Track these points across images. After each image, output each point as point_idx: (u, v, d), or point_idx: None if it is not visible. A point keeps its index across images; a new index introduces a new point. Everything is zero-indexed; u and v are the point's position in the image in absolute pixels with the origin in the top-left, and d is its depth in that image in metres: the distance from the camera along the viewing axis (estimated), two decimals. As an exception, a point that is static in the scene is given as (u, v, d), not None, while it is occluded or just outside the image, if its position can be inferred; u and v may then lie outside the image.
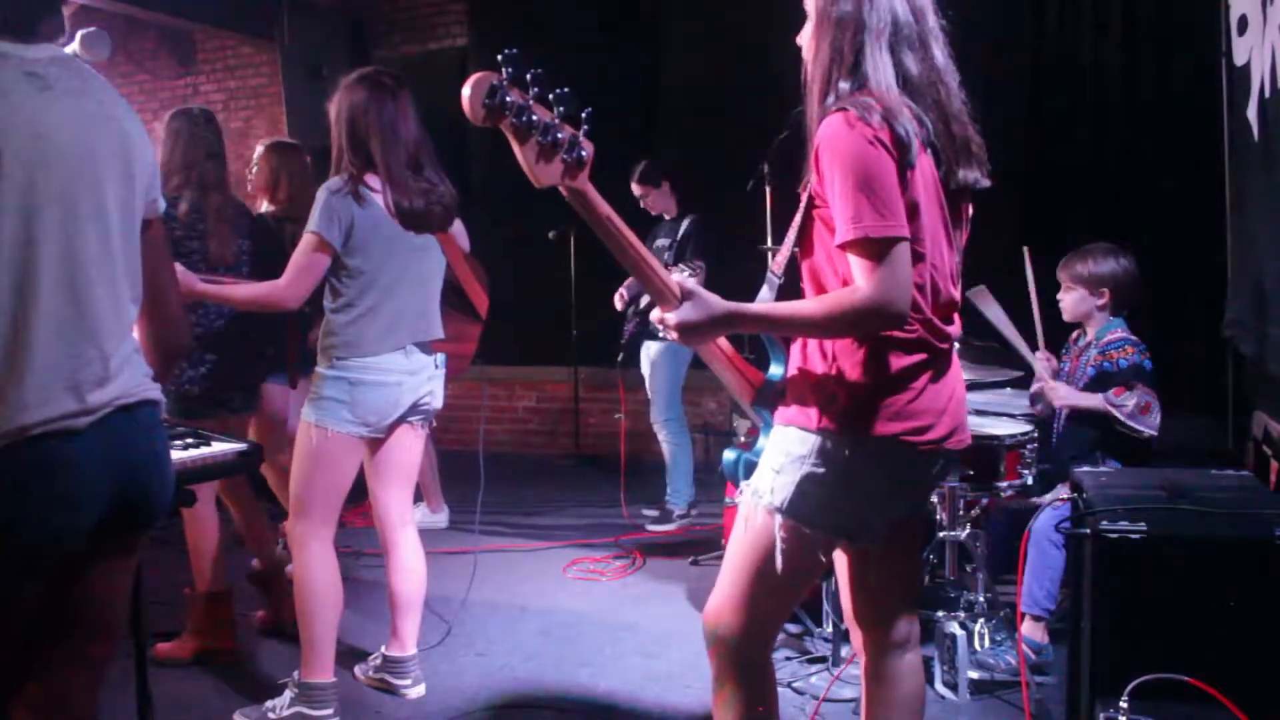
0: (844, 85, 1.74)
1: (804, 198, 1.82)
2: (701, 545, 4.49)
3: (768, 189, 4.33)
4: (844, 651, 3.07)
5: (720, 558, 2.26)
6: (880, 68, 1.73)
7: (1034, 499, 3.25)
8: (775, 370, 1.94)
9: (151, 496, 1.74)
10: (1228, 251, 4.00)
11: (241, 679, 3.20)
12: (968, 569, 3.21)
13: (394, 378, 2.81)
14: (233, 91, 7.83)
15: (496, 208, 6.12)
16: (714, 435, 6.04)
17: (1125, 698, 1.98)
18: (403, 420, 2.90)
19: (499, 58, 1.53)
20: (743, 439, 3.29)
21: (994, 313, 3.20)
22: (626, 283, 4.92)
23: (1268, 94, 3.09)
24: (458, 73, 6.27)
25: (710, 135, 5.91)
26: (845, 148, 1.67)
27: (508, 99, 1.51)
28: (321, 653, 2.83)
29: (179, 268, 2.39)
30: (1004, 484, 3.12)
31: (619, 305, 4.98)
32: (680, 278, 1.78)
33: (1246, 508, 2.12)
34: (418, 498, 4.61)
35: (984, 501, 3.32)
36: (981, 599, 3.11)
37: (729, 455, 2.05)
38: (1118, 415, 3.12)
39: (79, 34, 2.03)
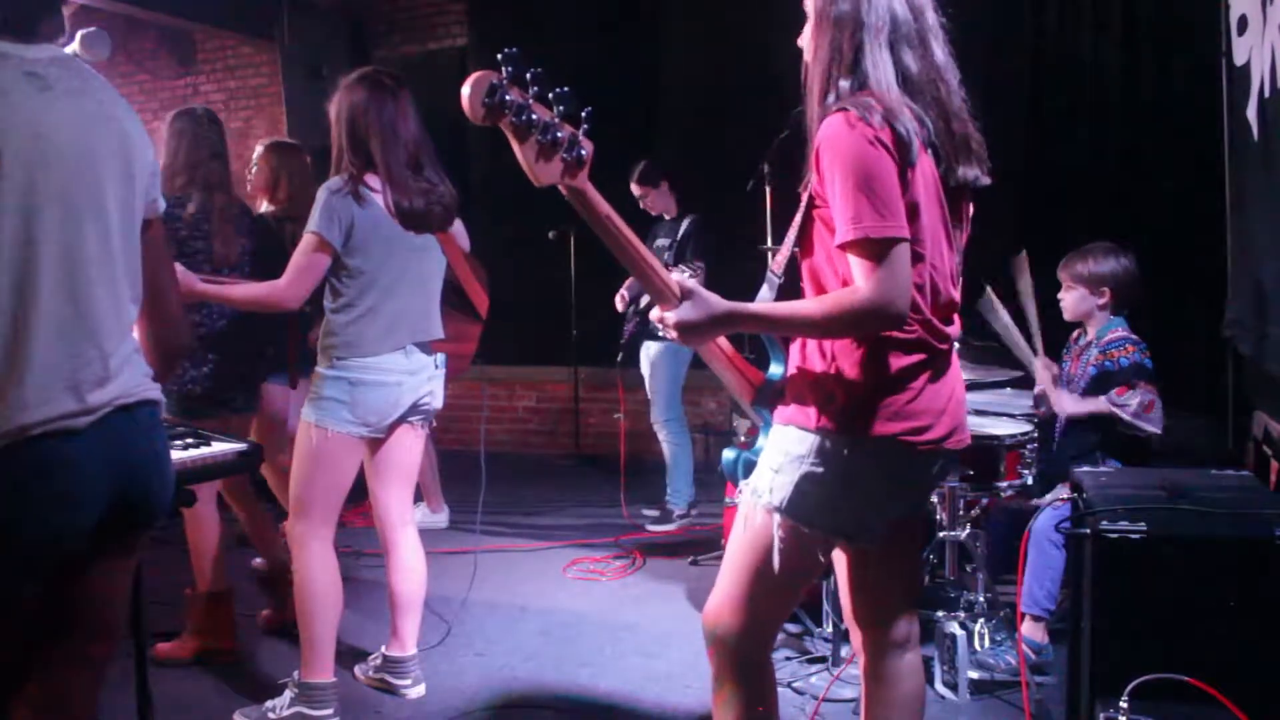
0: (844, 84, 1.74)
1: (804, 197, 1.82)
2: (701, 545, 4.49)
3: (768, 189, 4.33)
4: (844, 651, 3.07)
5: (720, 558, 2.26)
6: (880, 66, 1.73)
7: (1034, 499, 3.25)
8: (775, 370, 1.94)
9: (151, 496, 1.74)
10: (1228, 251, 4.00)
11: (241, 679, 3.20)
12: (968, 569, 3.21)
13: (394, 378, 2.81)
14: (233, 91, 7.83)
15: (496, 207, 6.12)
16: (714, 435, 6.04)
17: (1125, 698, 1.98)
18: (403, 420, 2.90)
19: (499, 57, 1.53)
20: (743, 439, 3.29)
21: (1000, 318, 3.21)
22: (627, 283, 4.92)
23: (1267, 94, 3.09)
24: (458, 73, 6.25)
25: (710, 135, 5.91)
26: (846, 148, 1.67)
27: (507, 98, 1.51)
28: (321, 653, 2.83)
29: (179, 268, 2.39)
30: (1004, 484, 3.12)
31: (620, 306, 4.97)
32: (680, 277, 1.78)
33: (1246, 508, 2.12)
34: (418, 498, 4.61)
35: (984, 501, 3.32)
36: (981, 599, 3.11)
37: (728, 454, 2.05)
38: (1122, 416, 3.12)
39: (79, 34, 2.03)
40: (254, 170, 4.00)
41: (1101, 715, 2.02)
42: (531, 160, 1.58)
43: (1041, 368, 3.33)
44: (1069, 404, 3.25)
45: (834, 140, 1.68)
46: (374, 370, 2.78)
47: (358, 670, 3.18)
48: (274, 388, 3.77)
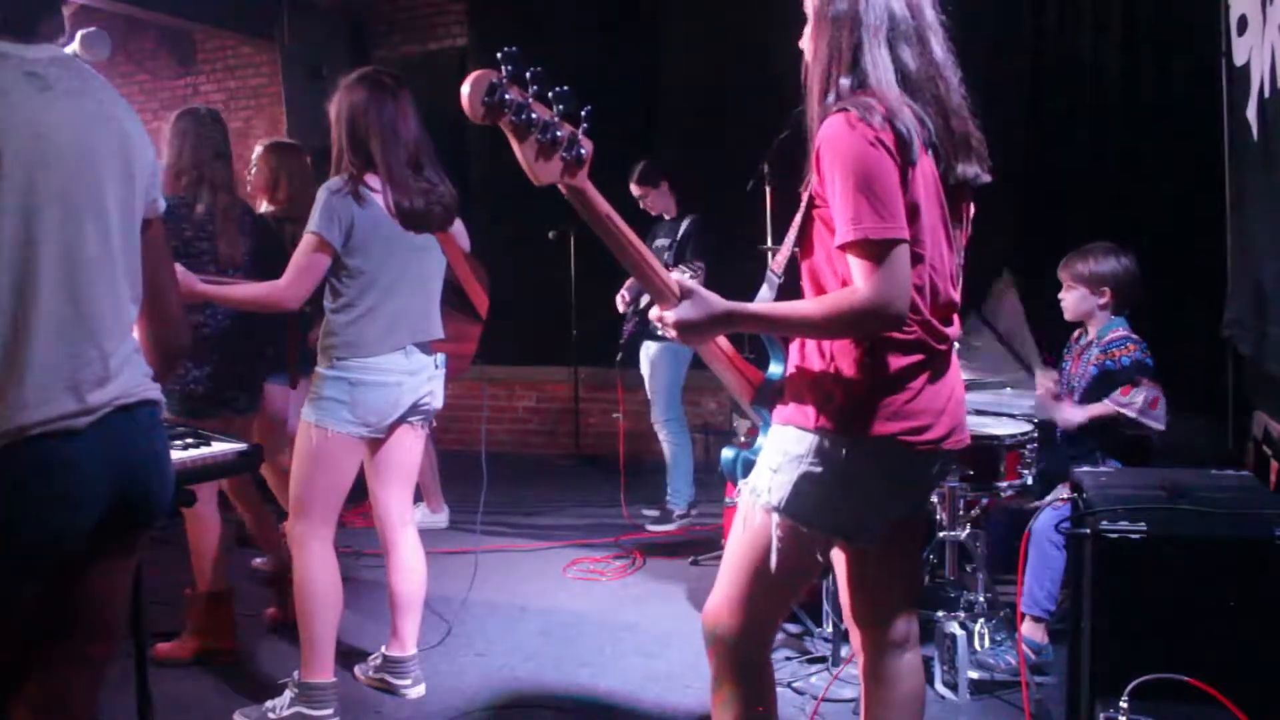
0: (844, 82, 1.74)
1: (804, 197, 1.82)
2: (701, 545, 4.49)
3: (768, 189, 4.33)
4: (844, 651, 3.07)
5: (720, 558, 2.26)
6: (879, 64, 1.73)
7: (1034, 499, 3.25)
8: (775, 369, 1.94)
9: (151, 496, 1.74)
10: (1227, 251, 4.00)
11: (241, 679, 3.20)
12: (968, 569, 3.21)
13: (394, 378, 2.81)
14: (233, 91, 7.83)
15: (496, 207, 6.12)
16: (714, 435, 6.04)
17: (1125, 698, 1.98)
18: (403, 420, 2.90)
19: (498, 56, 1.53)
20: (743, 439, 3.29)
21: (991, 337, 3.23)
22: (628, 284, 4.92)
23: (1267, 94, 3.09)
24: (458, 73, 6.22)
25: (710, 135, 5.91)
26: (846, 148, 1.67)
27: (507, 96, 1.51)
28: (321, 653, 2.83)
29: (179, 268, 2.39)
30: (1004, 484, 3.12)
31: (621, 307, 4.97)
32: (680, 277, 1.78)
33: (1246, 508, 2.12)
34: (418, 498, 4.61)
35: (984, 501, 3.32)
36: (981, 599, 3.11)
37: (727, 453, 2.04)
38: (1128, 414, 3.13)
39: (79, 34, 2.03)
40: (253, 170, 4.00)
41: (1101, 715, 2.02)
42: (531, 159, 1.58)
43: (1042, 387, 3.34)
44: (1075, 415, 3.25)
45: (835, 141, 1.68)
46: (374, 370, 2.78)
47: (358, 670, 3.18)
48: (274, 388, 3.77)
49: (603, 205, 1.69)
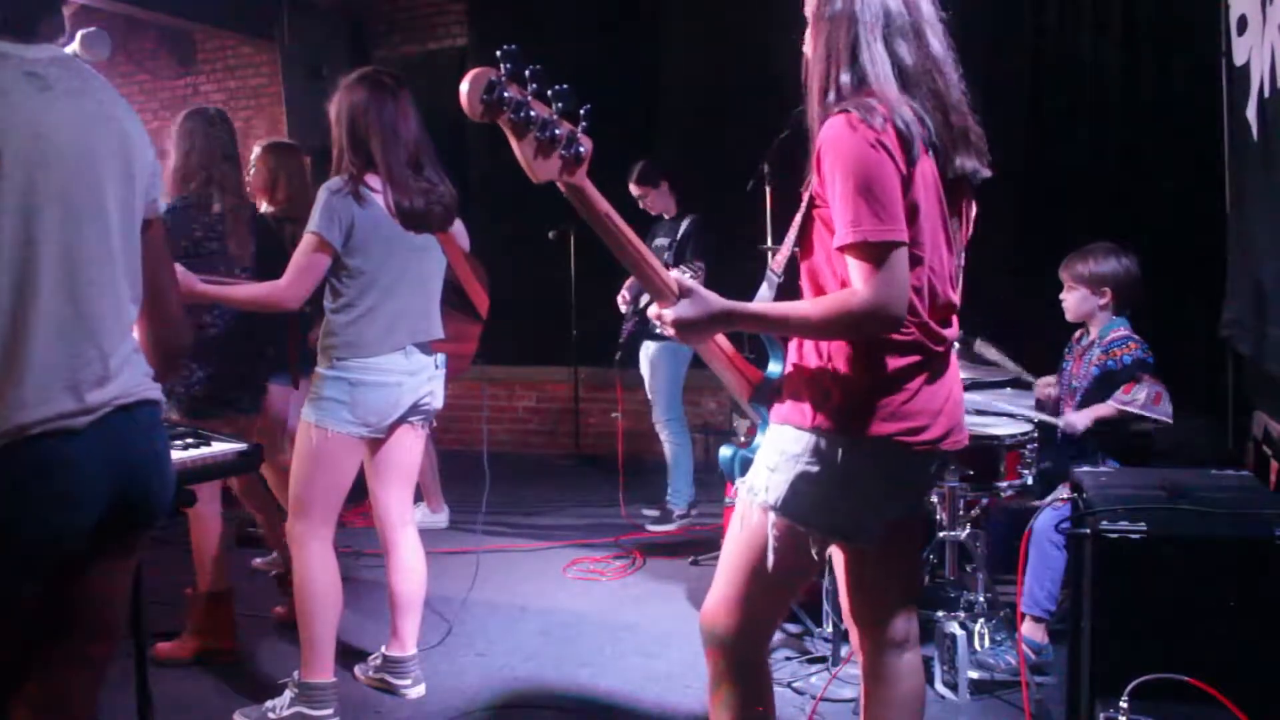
0: (844, 79, 1.74)
1: (805, 197, 1.82)
2: (701, 545, 4.49)
3: (768, 189, 4.33)
4: (843, 651, 3.07)
5: (720, 558, 2.26)
6: (877, 60, 1.73)
7: (1034, 499, 3.25)
8: (774, 368, 1.94)
9: (151, 496, 1.74)
10: (1228, 251, 4.00)
11: (241, 679, 3.20)
12: (968, 569, 3.21)
13: (394, 378, 2.81)
14: (233, 91, 7.83)
15: (496, 206, 6.13)
16: (714, 435, 6.04)
17: (1125, 698, 1.98)
18: (403, 420, 2.90)
19: (497, 54, 1.53)
20: (742, 438, 3.29)
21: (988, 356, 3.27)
22: (628, 284, 4.92)
23: (1267, 94, 3.09)
24: (458, 73, 6.18)
25: (710, 135, 5.91)
26: (847, 150, 1.67)
27: (506, 94, 1.51)
28: (321, 653, 2.83)
29: (179, 268, 2.40)
30: (1004, 484, 3.12)
31: (622, 308, 4.97)
32: (679, 276, 1.78)
33: (1246, 508, 2.12)
34: (418, 498, 4.61)
35: (984, 501, 3.32)
36: (981, 599, 3.11)
37: (725, 451, 2.04)
38: (1133, 411, 3.13)
39: (79, 34, 2.03)
40: (252, 171, 4.01)
41: (1101, 715, 2.02)
42: (530, 157, 1.58)
43: (1042, 394, 3.36)
44: (1079, 421, 3.25)
45: (835, 142, 1.68)
46: (374, 370, 2.78)
47: (358, 670, 3.18)
48: (274, 388, 3.77)
49: (602, 204, 1.69)
